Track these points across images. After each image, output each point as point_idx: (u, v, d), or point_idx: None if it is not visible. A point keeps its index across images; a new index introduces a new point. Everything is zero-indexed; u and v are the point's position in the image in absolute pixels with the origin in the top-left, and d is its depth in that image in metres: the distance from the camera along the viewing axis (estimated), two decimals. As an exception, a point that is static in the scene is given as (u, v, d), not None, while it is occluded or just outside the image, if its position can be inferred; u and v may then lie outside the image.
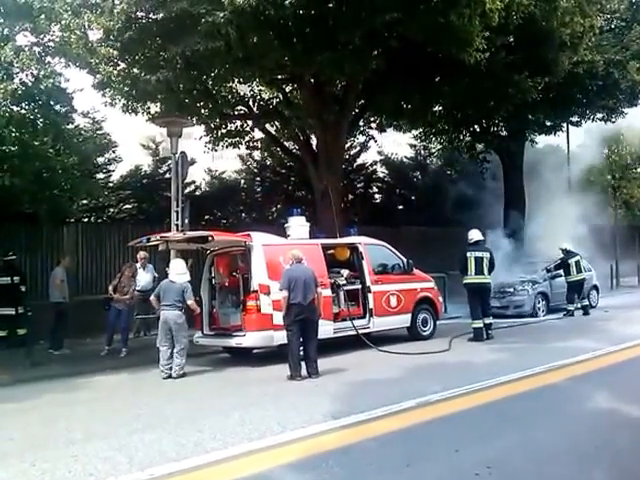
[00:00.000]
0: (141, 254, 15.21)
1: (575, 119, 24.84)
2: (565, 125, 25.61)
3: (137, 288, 14.09)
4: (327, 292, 12.13)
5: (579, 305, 17.91)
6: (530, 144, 25.82)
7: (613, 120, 24.66)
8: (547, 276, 18.48)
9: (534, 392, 8.53)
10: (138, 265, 14.77)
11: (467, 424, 7.01)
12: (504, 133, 24.63)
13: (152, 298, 11.48)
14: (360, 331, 12.85)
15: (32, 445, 6.83)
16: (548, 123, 24.13)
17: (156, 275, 15.55)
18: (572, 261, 18.12)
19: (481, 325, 13.57)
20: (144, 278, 14.95)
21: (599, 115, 24.08)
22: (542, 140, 26.73)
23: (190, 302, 11.16)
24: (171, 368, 10.88)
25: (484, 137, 24.85)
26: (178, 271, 11.39)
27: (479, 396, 8.23)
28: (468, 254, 13.83)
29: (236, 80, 18.48)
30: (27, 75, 13.03)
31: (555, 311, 18.02)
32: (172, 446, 6.49)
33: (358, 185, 27.16)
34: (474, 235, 14.16)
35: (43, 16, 12.81)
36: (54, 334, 13.80)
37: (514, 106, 19.39)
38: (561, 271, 18.49)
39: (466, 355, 11.76)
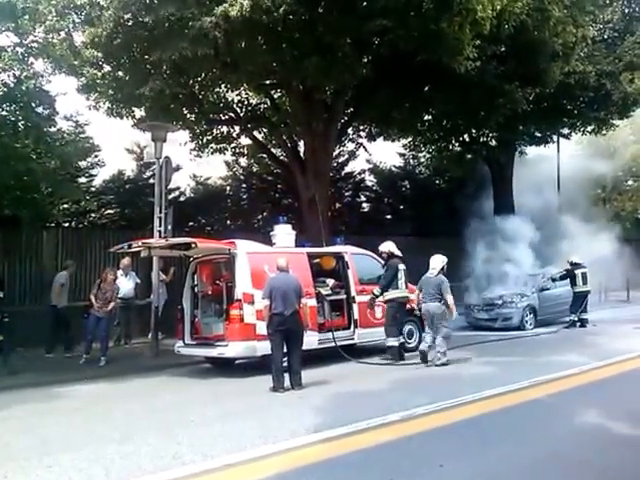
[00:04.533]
0: (124, 261, 14.99)
1: (566, 131, 24.83)
2: (555, 136, 25.54)
3: (118, 295, 13.83)
4: (312, 302, 11.95)
5: (575, 318, 17.91)
6: (519, 155, 25.77)
7: (604, 132, 24.66)
8: (536, 289, 18.38)
9: (520, 406, 8.45)
10: (120, 272, 14.51)
11: (452, 438, 6.91)
12: (494, 143, 24.57)
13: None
14: (345, 342, 12.71)
15: (5, 455, 6.70)
16: (538, 134, 24.11)
17: (138, 282, 15.34)
18: (579, 272, 18.28)
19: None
20: (126, 285, 14.75)
21: (590, 127, 24.06)
22: (532, 151, 26.69)
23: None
24: None
25: (474, 147, 24.81)
26: None
27: (464, 410, 8.13)
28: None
29: (223, 85, 18.33)
30: (9, 76, 12.82)
31: (543, 324, 17.91)
32: (149, 458, 6.37)
33: (346, 194, 27.05)
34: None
35: (27, 16, 12.62)
36: (52, 338, 13.87)
37: (504, 116, 19.33)
38: (555, 283, 18.69)
39: (453, 368, 11.62)
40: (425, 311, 12.31)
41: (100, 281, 13.13)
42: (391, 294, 12.66)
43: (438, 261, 12.54)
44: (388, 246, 13.12)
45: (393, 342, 12.46)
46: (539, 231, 20.18)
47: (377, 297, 12.82)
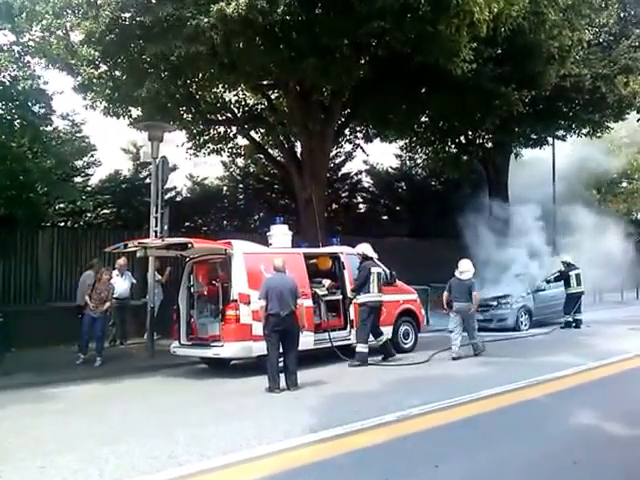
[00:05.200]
0: (120, 261, 14.92)
1: (561, 133, 24.91)
2: (551, 139, 25.61)
3: (114, 295, 13.81)
4: (308, 302, 11.93)
5: (570, 318, 18.07)
6: (515, 157, 25.83)
7: (599, 135, 24.75)
8: (531, 290, 18.45)
9: (515, 407, 8.46)
10: (115, 273, 14.48)
11: (447, 439, 6.91)
12: (490, 145, 24.65)
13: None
14: (341, 343, 12.67)
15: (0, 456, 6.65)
16: (534, 136, 24.20)
17: (134, 282, 15.29)
18: (573, 274, 18.48)
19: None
20: (121, 285, 14.69)
21: (585, 130, 24.16)
22: (528, 153, 26.74)
23: None
24: None
25: (470, 149, 24.88)
26: None
27: (460, 410, 8.13)
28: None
29: (220, 86, 18.34)
30: (5, 75, 12.77)
31: (538, 325, 17.96)
32: (144, 458, 6.34)
33: (342, 194, 27.11)
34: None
35: (24, 15, 12.59)
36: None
37: (500, 118, 19.40)
38: (549, 284, 18.81)
39: (448, 369, 11.65)
40: (457, 310, 13.25)
41: (95, 281, 13.08)
42: (363, 298, 12.47)
43: (470, 265, 13.62)
44: (362, 248, 12.98)
45: (362, 348, 12.21)
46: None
47: (352, 300, 12.72)
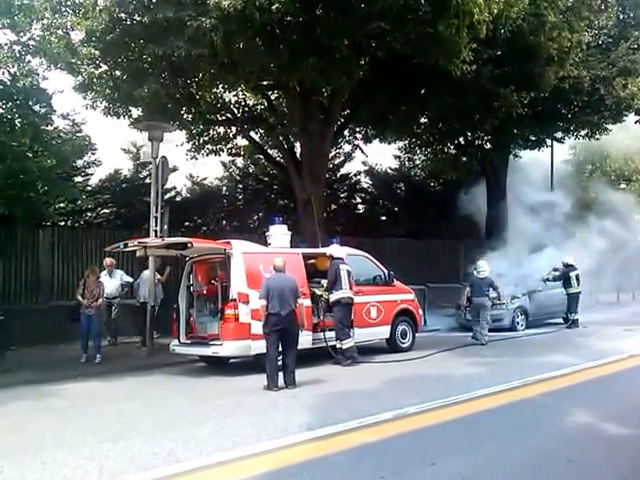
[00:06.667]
0: (107, 261, 14.82)
1: (559, 135, 24.96)
2: (549, 140, 25.65)
3: (104, 295, 13.81)
4: (307, 302, 11.97)
5: (575, 317, 18.28)
6: (514, 158, 25.88)
7: (597, 137, 24.80)
8: (527, 290, 18.49)
9: (511, 406, 8.51)
10: (104, 272, 14.48)
11: (443, 437, 6.96)
12: (488, 146, 24.67)
13: None
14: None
15: (0, 452, 6.68)
16: (532, 138, 24.23)
17: (129, 281, 15.19)
18: (573, 274, 18.64)
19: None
20: (110, 285, 14.57)
21: (583, 132, 24.25)
22: (526, 154, 26.77)
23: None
24: None
25: (468, 150, 24.90)
26: None
27: (456, 409, 8.18)
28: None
29: (220, 86, 18.37)
30: (4, 73, 12.80)
31: (534, 326, 18.01)
32: (143, 455, 6.38)
33: (341, 195, 27.11)
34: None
35: (22, 14, 12.60)
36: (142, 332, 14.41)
37: (499, 120, 19.44)
38: (546, 284, 18.93)
39: (444, 368, 11.68)
40: (477, 304, 15.31)
41: (84, 281, 13.12)
42: (335, 295, 12.51)
43: (486, 264, 15.59)
44: (330, 249, 13.16)
45: (349, 343, 12.29)
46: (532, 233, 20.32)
47: (327, 298, 12.71)
